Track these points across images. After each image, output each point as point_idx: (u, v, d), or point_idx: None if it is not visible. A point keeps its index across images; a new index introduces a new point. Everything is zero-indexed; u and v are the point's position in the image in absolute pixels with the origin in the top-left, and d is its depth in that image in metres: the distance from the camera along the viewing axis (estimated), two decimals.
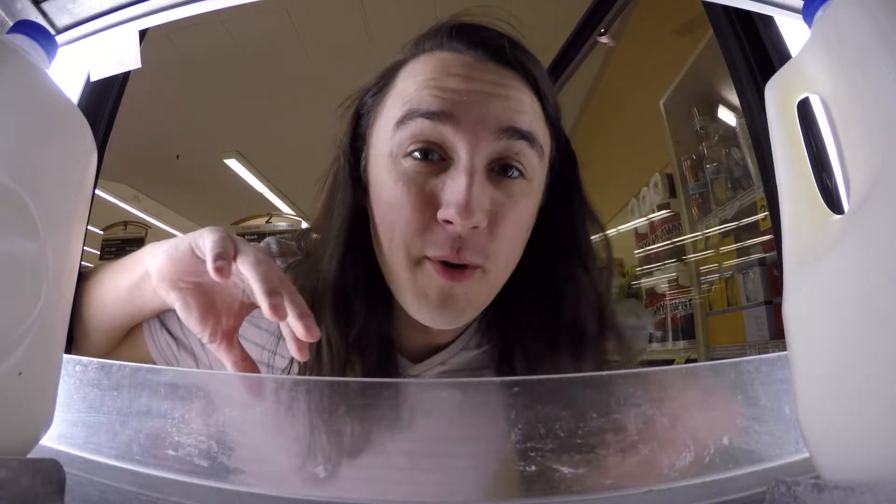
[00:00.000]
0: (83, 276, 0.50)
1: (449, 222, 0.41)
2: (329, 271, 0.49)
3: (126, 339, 0.53)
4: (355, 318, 0.47)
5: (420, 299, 0.44)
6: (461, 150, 0.42)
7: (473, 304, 0.45)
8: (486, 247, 0.43)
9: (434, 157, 0.43)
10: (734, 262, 1.69)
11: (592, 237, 0.53)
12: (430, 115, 0.42)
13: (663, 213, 2.16)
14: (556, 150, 0.50)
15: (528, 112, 0.45)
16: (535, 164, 0.45)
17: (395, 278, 0.46)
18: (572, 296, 0.50)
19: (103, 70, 0.46)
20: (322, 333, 0.47)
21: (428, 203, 0.42)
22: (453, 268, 0.42)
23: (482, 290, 0.45)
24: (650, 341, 2.17)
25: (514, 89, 0.44)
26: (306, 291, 0.50)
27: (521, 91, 0.45)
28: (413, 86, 0.44)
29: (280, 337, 0.51)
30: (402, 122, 0.43)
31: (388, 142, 0.44)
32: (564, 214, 0.51)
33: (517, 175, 0.44)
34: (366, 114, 0.50)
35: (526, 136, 0.43)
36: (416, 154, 0.43)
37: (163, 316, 0.52)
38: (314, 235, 0.55)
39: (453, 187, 0.41)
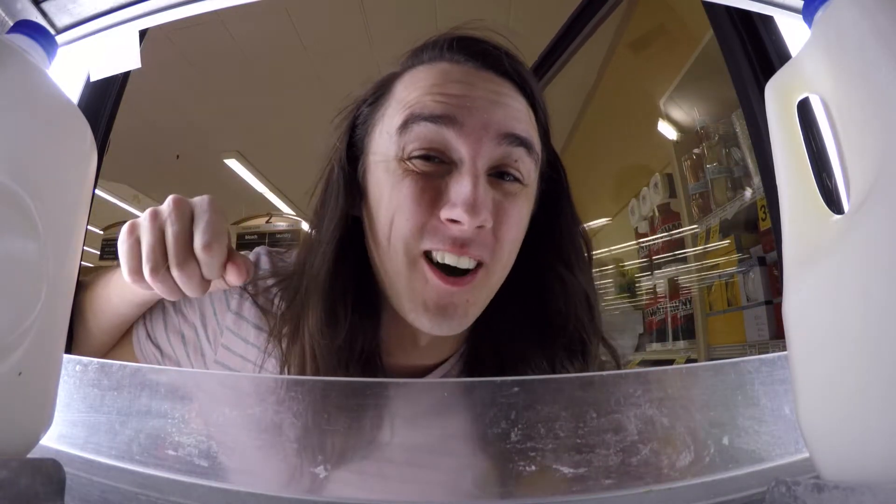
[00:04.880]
0: (81, 285, 0.51)
1: (455, 221, 0.41)
2: (318, 279, 0.48)
3: (116, 347, 0.54)
4: (341, 327, 0.46)
5: (418, 307, 0.43)
6: (464, 153, 0.43)
7: (474, 308, 0.45)
8: (491, 244, 0.43)
9: (435, 161, 0.44)
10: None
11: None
12: (434, 119, 0.43)
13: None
14: (546, 161, 0.50)
15: (525, 121, 0.46)
16: (531, 171, 0.46)
17: (392, 283, 0.45)
18: (564, 313, 0.49)
19: (103, 70, 0.46)
20: (306, 341, 0.47)
21: (431, 201, 0.42)
22: (453, 273, 0.42)
23: (482, 294, 0.45)
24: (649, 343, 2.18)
25: (512, 98, 0.46)
26: (295, 303, 0.49)
27: (518, 101, 0.46)
28: (414, 93, 0.45)
29: (266, 351, 0.52)
30: (404, 126, 0.44)
31: (390, 146, 0.45)
32: (555, 225, 0.51)
33: (514, 180, 0.45)
34: (362, 124, 0.50)
35: (525, 143, 0.44)
36: (419, 156, 0.43)
37: (149, 326, 0.54)
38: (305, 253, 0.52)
39: (459, 188, 0.41)
